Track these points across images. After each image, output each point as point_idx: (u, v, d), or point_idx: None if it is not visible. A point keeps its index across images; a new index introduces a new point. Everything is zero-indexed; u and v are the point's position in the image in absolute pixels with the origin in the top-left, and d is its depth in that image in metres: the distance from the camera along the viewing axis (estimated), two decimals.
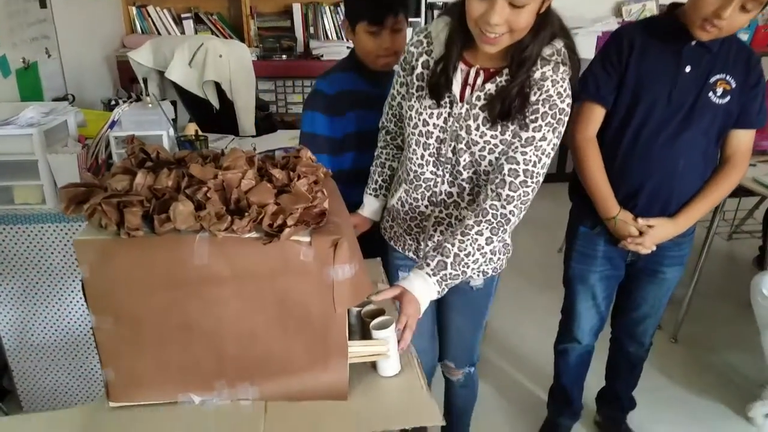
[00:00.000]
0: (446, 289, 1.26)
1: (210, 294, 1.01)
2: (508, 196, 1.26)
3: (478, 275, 1.49)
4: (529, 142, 1.25)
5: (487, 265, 1.46)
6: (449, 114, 1.31)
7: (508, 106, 1.23)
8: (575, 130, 1.64)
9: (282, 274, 1.01)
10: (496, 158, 1.30)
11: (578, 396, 2.09)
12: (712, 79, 1.51)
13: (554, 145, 1.27)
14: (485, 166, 1.32)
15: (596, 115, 1.62)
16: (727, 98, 1.52)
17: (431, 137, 1.35)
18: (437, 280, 1.24)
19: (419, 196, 1.43)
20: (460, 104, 1.29)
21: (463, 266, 1.26)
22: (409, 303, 1.20)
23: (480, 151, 1.30)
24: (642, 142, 1.57)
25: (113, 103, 2.73)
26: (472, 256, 1.26)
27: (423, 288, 1.22)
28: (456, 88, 1.29)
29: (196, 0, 3.90)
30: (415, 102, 1.35)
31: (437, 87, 1.30)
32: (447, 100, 1.31)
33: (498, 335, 2.71)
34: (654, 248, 1.64)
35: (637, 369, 2.05)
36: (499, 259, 1.49)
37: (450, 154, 1.34)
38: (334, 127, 1.66)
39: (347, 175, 1.69)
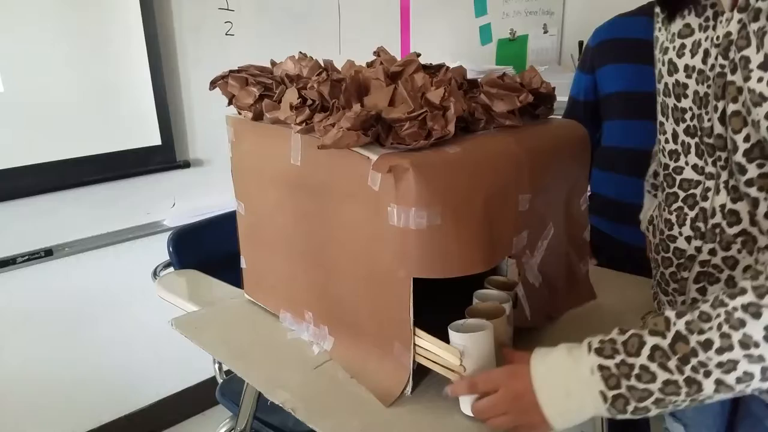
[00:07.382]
0: (631, 406, 0.57)
1: (304, 203, 0.86)
2: None
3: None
4: None
5: None
6: (711, 41, 0.65)
7: None
8: None
9: (354, 199, 0.77)
10: None
11: None
12: None
13: None
14: None
15: None
16: None
17: (685, 95, 0.69)
18: (600, 365, 0.59)
19: (674, 218, 0.74)
20: (728, 15, 0.61)
21: (694, 360, 0.55)
22: (512, 376, 0.66)
23: None
24: None
25: None
26: (724, 349, 0.54)
27: (559, 368, 0.63)
28: None
29: None
30: (660, 32, 0.74)
31: None
32: (709, 10, 0.65)
33: None
34: None
35: None
36: None
37: (717, 127, 0.64)
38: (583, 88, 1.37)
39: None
